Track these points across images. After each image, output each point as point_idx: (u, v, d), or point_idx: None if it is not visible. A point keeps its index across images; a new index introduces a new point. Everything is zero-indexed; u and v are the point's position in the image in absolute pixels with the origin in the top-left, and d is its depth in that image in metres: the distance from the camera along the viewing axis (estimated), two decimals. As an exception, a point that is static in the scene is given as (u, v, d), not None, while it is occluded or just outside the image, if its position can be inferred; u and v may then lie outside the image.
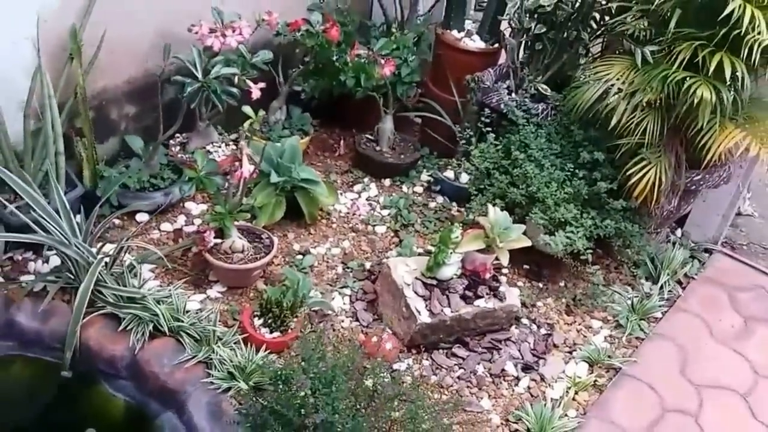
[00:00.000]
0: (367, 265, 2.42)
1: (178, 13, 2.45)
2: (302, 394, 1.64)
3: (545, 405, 2.03)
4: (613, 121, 2.21)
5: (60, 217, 2.03)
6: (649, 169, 2.22)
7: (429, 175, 2.88)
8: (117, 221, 2.36)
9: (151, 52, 2.48)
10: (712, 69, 2.02)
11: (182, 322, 2.00)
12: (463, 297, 2.17)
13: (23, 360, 1.99)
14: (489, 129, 2.56)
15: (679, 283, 2.58)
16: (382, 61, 2.59)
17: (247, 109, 2.33)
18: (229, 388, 1.87)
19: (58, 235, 2.00)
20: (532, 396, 2.10)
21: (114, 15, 2.27)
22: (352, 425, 1.60)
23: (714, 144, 2.17)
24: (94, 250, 2.04)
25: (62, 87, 2.20)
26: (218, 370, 1.91)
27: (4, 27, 2.06)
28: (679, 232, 2.80)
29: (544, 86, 2.58)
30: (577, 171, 2.37)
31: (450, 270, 2.18)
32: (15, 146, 2.15)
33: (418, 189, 2.84)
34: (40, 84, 2.09)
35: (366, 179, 2.83)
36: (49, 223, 2.00)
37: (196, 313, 2.08)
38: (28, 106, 2.14)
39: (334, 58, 2.66)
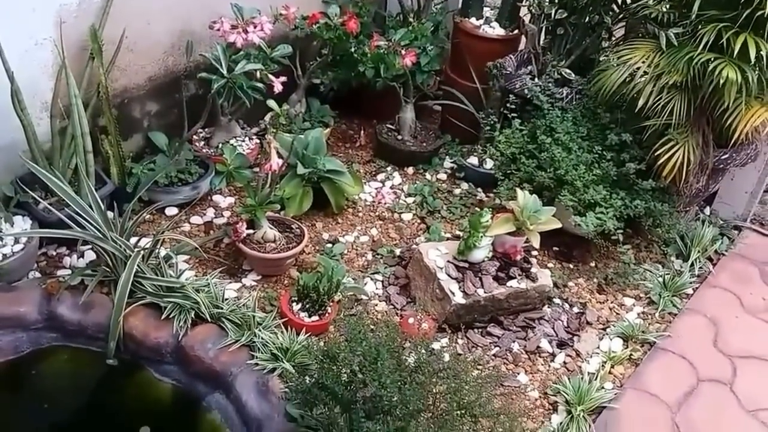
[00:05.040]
0: (397, 251, 2.66)
1: (194, 9, 2.67)
2: (350, 370, 1.90)
3: (582, 378, 2.26)
4: (640, 103, 2.38)
5: (94, 212, 2.29)
6: (677, 149, 2.41)
7: (452, 162, 3.11)
8: (146, 215, 2.59)
9: (171, 50, 2.72)
10: (736, 50, 2.19)
11: (222, 309, 2.23)
12: (496, 278, 2.40)
13: (69, 350, 2.22)
14: (514, 115, 2.78)
15: (710, 259, 2.82)
16: (403, 52, 2.83)
17: (272, 103, 2.56)
18: (274, 369, 2.09)
19: (95, 230, 2.26)
20: (568, 371, 2.33)
21: (132, 14, 2.48)
22: (400, 398, 1.85)
23: (740, 123, 2.36)
24: (130, 243, 2.30)
25: (85, 86, 2.42)
26: (262, 353, 2.13)
27: (26, 28, 2.26)
28: (707, 210, 3.03)
29: (568, 71, 2.80)
30: (605, 153, 2.58)
31: (481, 253, 2.42)
32: (41, 145, 2.37)
33: (442, 176, 3.07)
34: (66, 84, 2.29)
35: (389, 168, 3.08)
36: (84, 218, 2.25)
37: (235, 300, 2.33)
38: (54, 105, 2.38)
39: (352, 49, 2.90)
